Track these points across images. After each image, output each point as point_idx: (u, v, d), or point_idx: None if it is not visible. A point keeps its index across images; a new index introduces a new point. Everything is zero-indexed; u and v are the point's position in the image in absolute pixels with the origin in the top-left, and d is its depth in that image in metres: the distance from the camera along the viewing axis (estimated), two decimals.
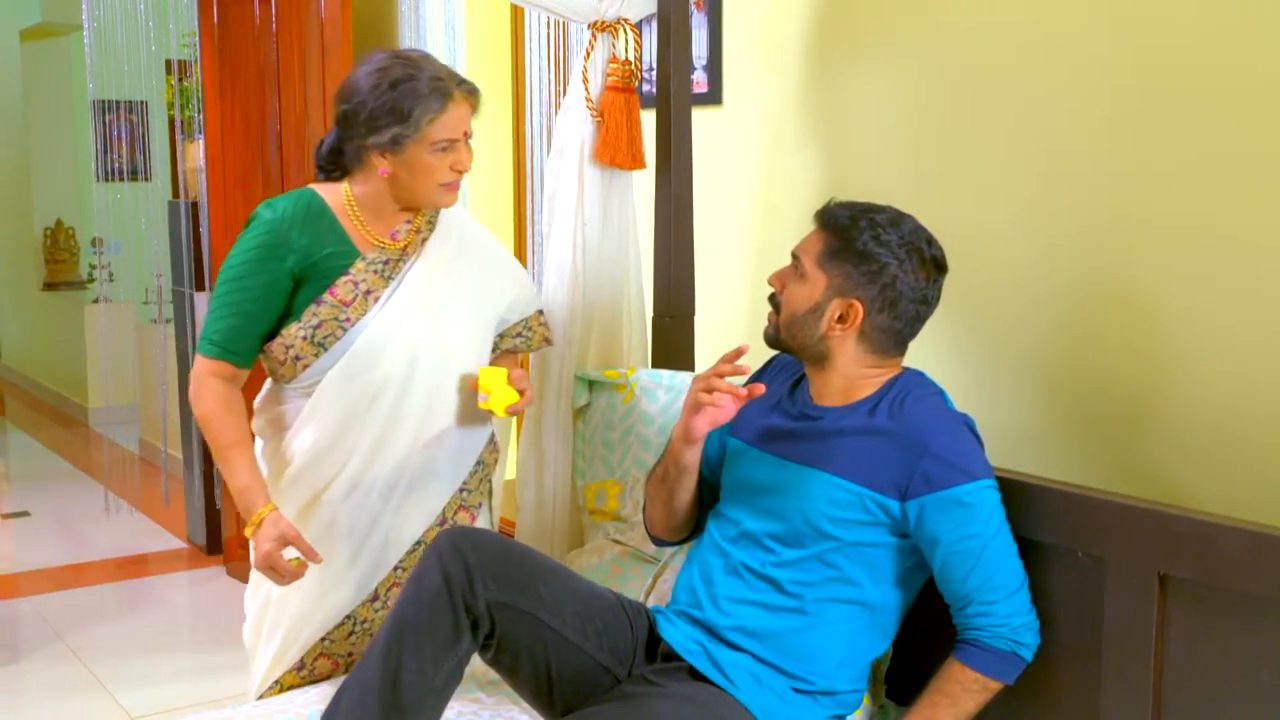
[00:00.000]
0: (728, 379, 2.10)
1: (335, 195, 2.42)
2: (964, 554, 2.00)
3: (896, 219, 2.06)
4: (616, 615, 2.15)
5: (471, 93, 2.36)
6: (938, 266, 2.07)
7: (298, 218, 2.37)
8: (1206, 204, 2.17)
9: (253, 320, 2.37)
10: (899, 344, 2.10)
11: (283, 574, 2.29)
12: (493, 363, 2.61)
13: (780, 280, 2.14)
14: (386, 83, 2.29)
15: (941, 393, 2.11)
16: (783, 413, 2.16)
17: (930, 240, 2.08)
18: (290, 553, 2.30)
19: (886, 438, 2.03)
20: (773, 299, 2.16)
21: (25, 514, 5.70)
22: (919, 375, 2.13)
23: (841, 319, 2.05)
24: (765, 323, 2.18)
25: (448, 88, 2.31)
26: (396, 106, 2.28)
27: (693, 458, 2.20)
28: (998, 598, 2.01)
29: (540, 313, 2.72)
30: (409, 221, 2.47)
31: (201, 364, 2.38)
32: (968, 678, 2.01)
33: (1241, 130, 2.11)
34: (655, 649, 2.15)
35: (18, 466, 6.74)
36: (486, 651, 2.08)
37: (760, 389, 2.07)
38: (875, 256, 2.02)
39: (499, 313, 2.61)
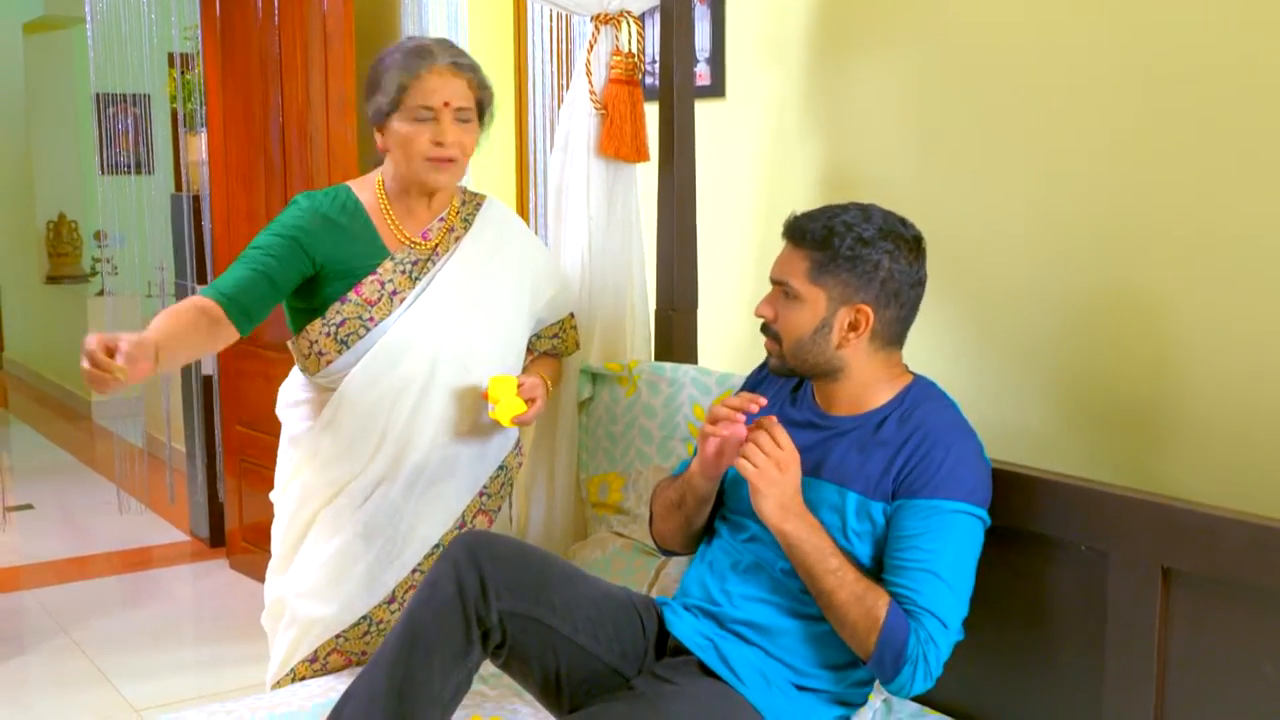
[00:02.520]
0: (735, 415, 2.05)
1: (369, 191, 2.42)
2: (906, 563, 1.94)
3: (865, 213, 2.04)
4: (629, 616, 2.14)
5: (461, 67, 2.31)
6: (919, 244, 2.06)
7: (332, 214, 2.36)
8: (1212, 203, 2.16)
9: (264, 281, 2.27)
10: (905, 331, 2.10)
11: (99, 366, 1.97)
12: (532, 363, 2.59)
13: (771, 309, 2.09)
14: (382, 58, 2.31)
15: (954, 405, 2.09)
16: (787, 421, 2.12)
17: (903, 221, 2.06)
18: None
19: (892, 448, 2.02)
20: (766, 329, 2.11)
21: (29, 507, 5.71)
22: (930, 386, 2.11)
23: (853, 326, 2.03)
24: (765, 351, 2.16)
25: (426, 56, 2.28)
26: (375, 77, 2.30)
27: (711, 489, 2.18)
28: (925, 617, 1.92)
29: (572, 315, 2.72)
30: (442, 219, 2.45)
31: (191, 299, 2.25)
32: (879, 610, 1.91)
33: (1250, 132, 2.10)
34: (664, 643, 2.14)
35: (21, 460, 6.75)
36: (497, 658, 2.08)
37: (762, 401, 2.03)
38: (865, 257, 2.00)
39: (535, 312, 2.60)
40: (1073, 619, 2.08)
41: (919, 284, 2.06)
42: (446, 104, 2.29)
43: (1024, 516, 2.12)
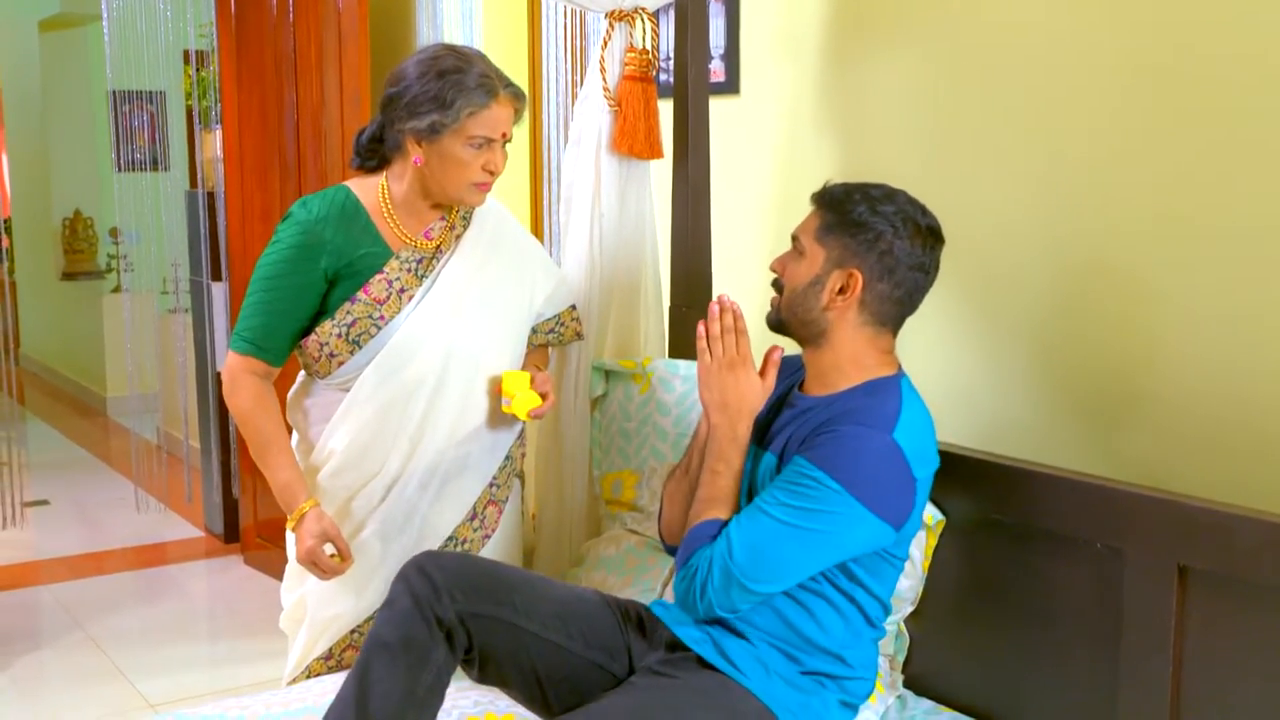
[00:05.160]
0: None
1: (371, 193, 2.42)
2: (752, 509, 2.01)
3: (890, 193, 2.09)
4: (601, 613, 2.15)
5: (517, 96, 2.36)
6: (934, 235, 2.08)
7: (331, 218, 2.37)
8: (1222, 194, 2.15)
9: (285, 319, 2.37)
10: (899, 315, 2.10)
11: (324, 569, 2.34)
12: (526, 356, 2.61)
13: (781, 264, 2.17)
14: (435, 71, 2.29)
15: (905, 405, 2.04)
16: (776, 410, 2.19)
17: (925, 211, 2.09)
18: (331, 549, 2.34)
19: (820, 422, 2.04)
20: (776, 284, 2.18)
21: (45, 503, 5.73)
22: (896, 384, 2.07)
23: (842, 290, 2.06)
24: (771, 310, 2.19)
25: (494, 86, 2.31)
26: (440, 94, 2.28)
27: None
28: (722, 538, 1.99)
29: (573, 308, 2.73)
30: (443, 219, 2.46)
31: (234, 360, 2.39)
32: (708, 516, 2.06)
33: (1248, 123, 2.10)
34: (660, 639, 2.14)
35: (37, 455, 6.77)
36: (470, 667, 2.09)
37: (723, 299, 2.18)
38: (871, 225, 2.04)
39: (535, 307, 2.62)
40: (1088, 617, 2.08)
41: (920, 269, 2.06)
42: (503, 134, 2.34)
43: (1039, 514, 2.12)
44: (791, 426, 2.09)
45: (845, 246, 2.05)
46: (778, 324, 2.17)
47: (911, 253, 2.04)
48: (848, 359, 2.08)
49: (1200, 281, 2.19)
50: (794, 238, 2.14)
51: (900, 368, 2.12)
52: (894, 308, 2.07)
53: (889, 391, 2.05)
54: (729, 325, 2.14)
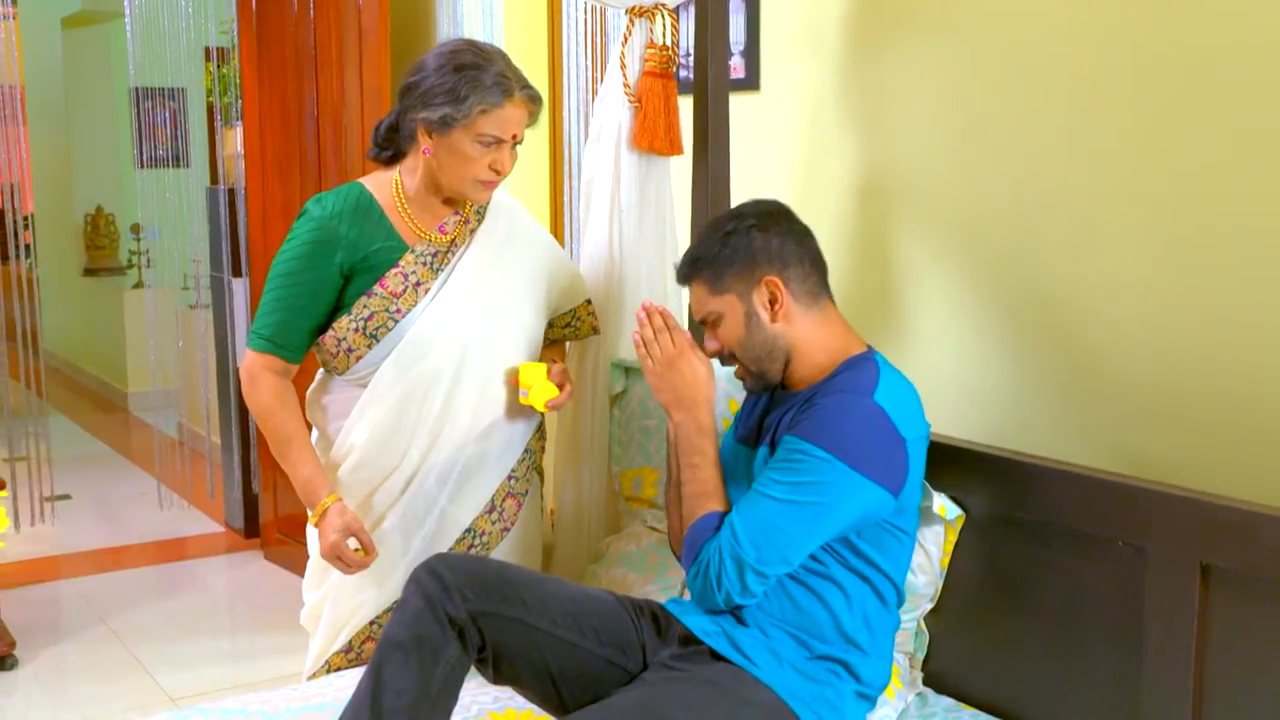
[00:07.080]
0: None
1: (385, 189, 2.44)
2: (750, 494, 2.04)
3: (713, 224, 2.20)
4: (614, 611, 2.16)
5: (533, 99, 2.37)
6: (780, 213, 2.18)
7: (345, 213, 2.39)
8: (1251, 196, 2.14)
9: (302, 315, 2.39)
10: (822, 280, 2.18)
11: (349, 564, 2.35)
12: (542, 351, 2.63)
13: (714, 340, 2.20)
14: (453, 65, 2.31)
15: (881, 375, 2.08)
16: (763, 409, 2.23)
17: (756, 202, 2.21)
18: (354, 543, 2.35)
19: (800, 404, 2.08)
20: (726, 360, 2.21)
21: (66, 497, 5.76)
22: (867, 359, 2.13)
23: (773, 300, 2.12)
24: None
25: (510, 86, 2.32)
26: (455, 88, 2.29)
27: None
28: (727, 526, 2.02)
29: (589, 302, 2.75)
30: (457, 214, 2.48)
31: (252, 358, 2.41)
32: (706, 508, 2.09)
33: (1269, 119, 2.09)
34: (674, 635, 2.15)
35: (59, 450, 6.78)
36: (485, 666, 2.09)
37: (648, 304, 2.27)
38: (737, 246, 2.13)
39: (550, 301, 2.63)
40: (1109, 615, 2.07)
41: (800, 234, 2.16)
42: (514, 136, 2.36)
43: (1060, 511, 2.11)
44: (781, 419, 2.12)
45: (739, 276, 2.14)
46: (763, 383, 2.20)
47: (784, 230, 2.14)
48: (814, 350, 2.14)
49: (1226, 283, 2.17)
50: (701, 321, 2.21)
51: (870, 346, 2.18)
52: (818, 276, 2.17)
53: (865, 365, 2.11)
54: (660, 326, 2.23)
